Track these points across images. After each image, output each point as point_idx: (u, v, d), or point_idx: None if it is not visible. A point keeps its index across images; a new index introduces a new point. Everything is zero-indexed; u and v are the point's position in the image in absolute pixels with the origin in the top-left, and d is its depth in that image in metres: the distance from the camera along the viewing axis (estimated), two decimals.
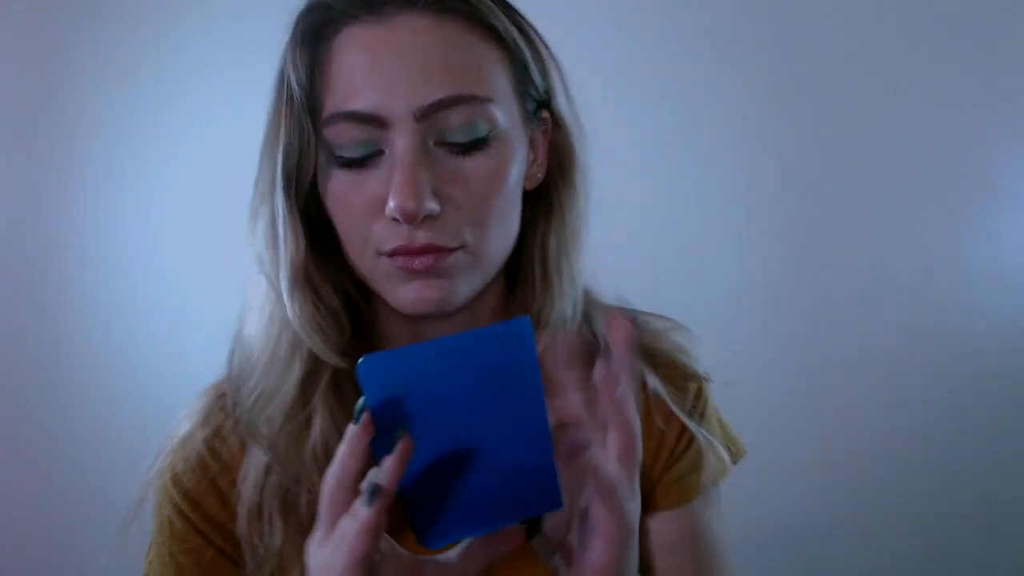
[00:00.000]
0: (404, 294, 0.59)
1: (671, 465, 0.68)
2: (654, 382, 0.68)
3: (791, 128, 1.50)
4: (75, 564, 1.51)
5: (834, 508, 1.52)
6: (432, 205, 0.56)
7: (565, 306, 0.65)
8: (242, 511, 0.63)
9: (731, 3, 1.51)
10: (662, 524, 0.68)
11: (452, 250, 0.58)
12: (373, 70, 0.57)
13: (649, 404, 0.68)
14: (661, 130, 1.51)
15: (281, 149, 0.59)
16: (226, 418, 0.65)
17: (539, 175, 0.65)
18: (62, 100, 1.65)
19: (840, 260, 1.49)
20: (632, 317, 0.47)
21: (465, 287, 0.60)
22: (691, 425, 0.68)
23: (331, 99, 0.58)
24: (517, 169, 0.61)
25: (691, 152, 1.51)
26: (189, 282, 1.55)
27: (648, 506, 0.68)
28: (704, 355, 0.72)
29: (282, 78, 0.61)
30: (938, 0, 1.46)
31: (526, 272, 0.66)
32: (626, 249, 1.49)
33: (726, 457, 0.70)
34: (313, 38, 0.60)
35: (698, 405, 0.70)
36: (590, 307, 0.69)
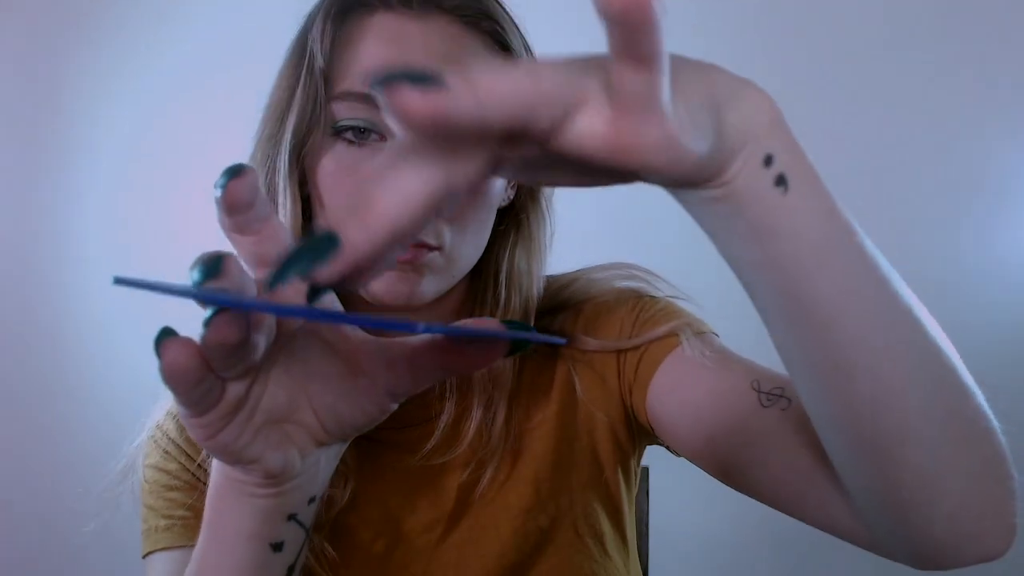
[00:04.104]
0: (375, 284, 0.60)
1: (632, 388, 0.67)
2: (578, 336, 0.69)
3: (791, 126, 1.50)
4: (74, 562, 1.51)
5: None
6: None
7: (518, 316, 0.67)
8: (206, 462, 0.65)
9: (733, 2, 1.51)
10: (660, 392, 0.64)
11: (432, 248, 0.60)
12: (400, 60, 0.58)
13: (580, 366, 0.69)
14: None
15: (294, 115, 0.60)
16: None
17: (509, 196, 0.68)
18: (61, 100, 1.65)
19: None
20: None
21: (433, 287, 0.62)
22: (620, 344, 0.67)
23: (348, 77, 0.59)
24: (500, 185, 0.64)
25: None
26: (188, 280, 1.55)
27: (643, 407, 0.65)
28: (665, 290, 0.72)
29: (304, 47, 0.62)
30: (938, 1, 1.46)
31: (487, 281, 0.68)
32: (626, 248, 1.49)
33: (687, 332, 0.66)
34: (343, 15, 0.61)
35: (643, 316, 0.68)
36: (547, 300, 0.71)
